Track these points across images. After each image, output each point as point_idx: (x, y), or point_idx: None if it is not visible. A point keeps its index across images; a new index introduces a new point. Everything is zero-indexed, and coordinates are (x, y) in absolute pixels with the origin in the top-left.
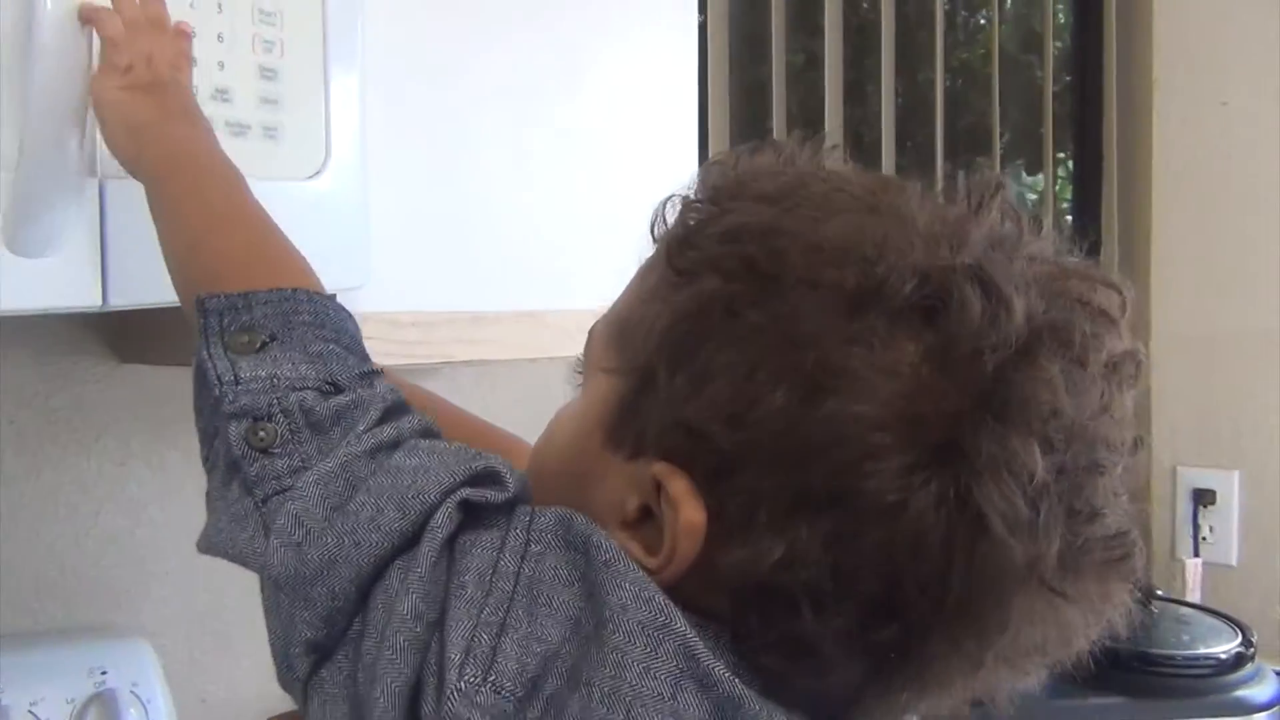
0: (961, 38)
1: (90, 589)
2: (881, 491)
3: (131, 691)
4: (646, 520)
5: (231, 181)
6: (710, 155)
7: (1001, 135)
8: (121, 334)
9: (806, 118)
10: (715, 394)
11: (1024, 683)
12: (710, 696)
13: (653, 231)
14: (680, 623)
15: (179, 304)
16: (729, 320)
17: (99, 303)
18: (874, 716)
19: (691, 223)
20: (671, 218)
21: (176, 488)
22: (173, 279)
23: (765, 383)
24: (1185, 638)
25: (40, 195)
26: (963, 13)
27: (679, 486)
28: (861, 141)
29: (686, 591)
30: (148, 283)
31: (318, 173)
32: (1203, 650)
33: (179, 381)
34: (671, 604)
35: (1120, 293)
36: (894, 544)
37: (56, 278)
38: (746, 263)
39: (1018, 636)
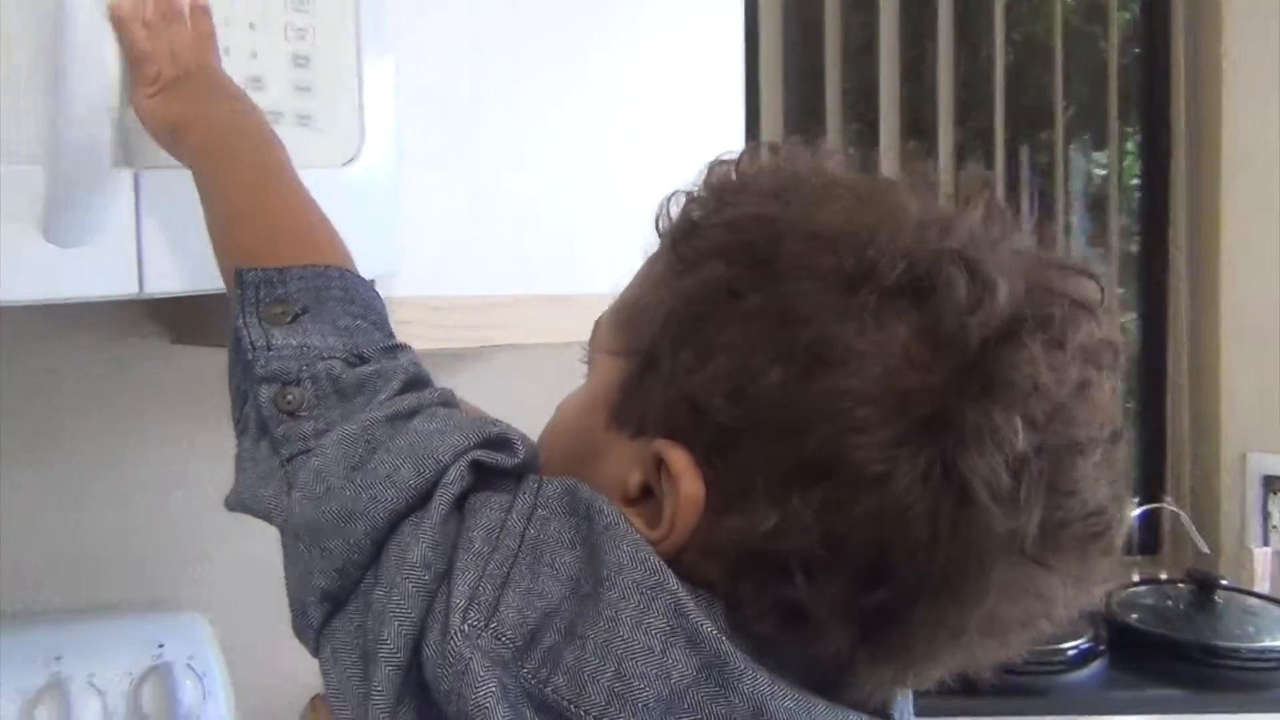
0: (1024, 10)
1: (149, 565)
2: (868, 462)
3: (188, 665)
4: (647, 497)
5: (268, 161)
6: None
7: (1066, 110)
8: (175, 317)
9: (862, 96)
10: (716, 370)
11: (1008, 656)
12: (699, 653)
13: (657, 225)
14: (673, 582)
15: (214, 291)
16: (731, 302)
17: (135, 290)
18: (864, 688)
19: (696, 215)
20: (675, 212)
21: (231, 466)
22: (215, 253)
23: (763, 360)
24: (1251, 629)
25: (76, 187)
26: None
27: (679, 460)
28: (919, 121)
29: (685, 563)
30: (183, 271)
31: (352, 159)
32: (1270, 643)
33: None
34: (665, 566)
35: (1097, 282)
36: (881, 513)
37: (94, 267)
38: (747, 249)
39: (999, 606)
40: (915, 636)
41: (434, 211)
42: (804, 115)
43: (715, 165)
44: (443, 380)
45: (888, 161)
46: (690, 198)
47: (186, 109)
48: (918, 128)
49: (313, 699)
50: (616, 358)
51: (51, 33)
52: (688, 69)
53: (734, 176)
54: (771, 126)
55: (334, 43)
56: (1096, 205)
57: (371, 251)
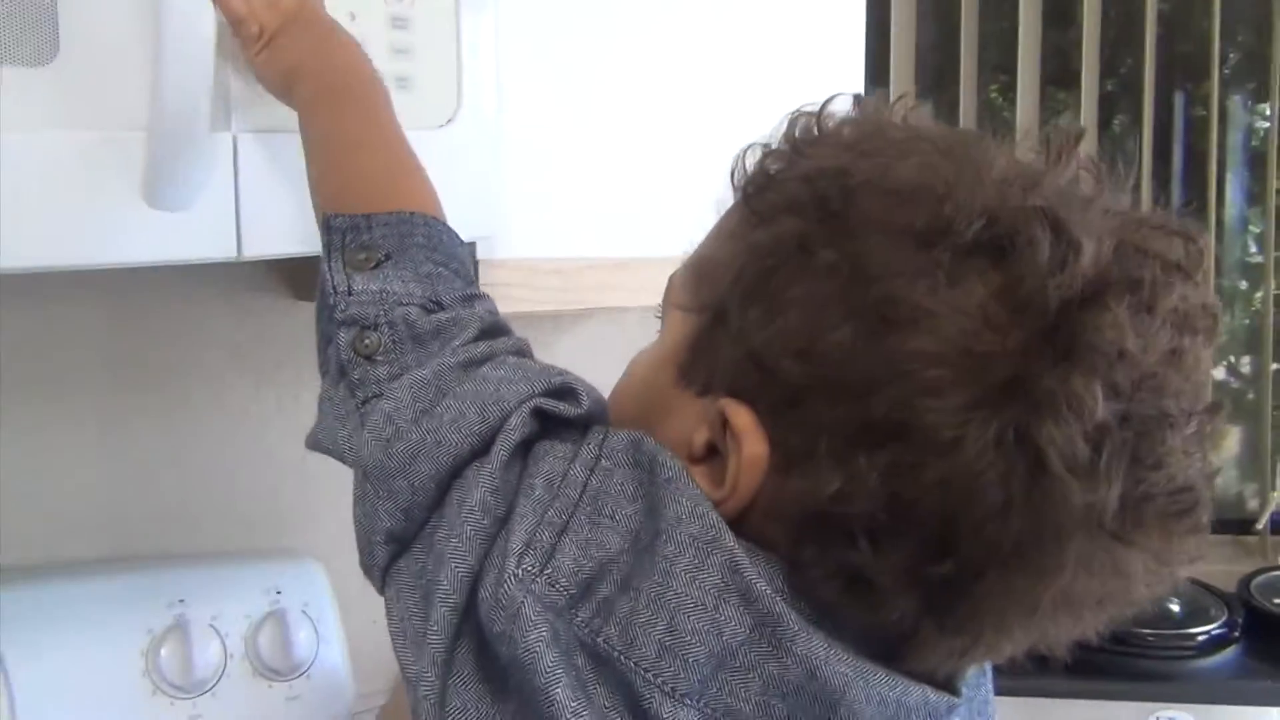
0: None
1: (268, 513)
2: (939, 426)
3: (303, 611)
4: (713, 456)
5: (369, 110)
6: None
7: (1225, 59)
8: (295, 274)
9: (1000, 46)
10: (784, 327)
11: (1083, 633)
12: (752, 611)
13: (733, 178)
14: (730, 539)
15: (310, 254)
16: (802, 257)
17: (234, 254)
18: (929, 659)
19: (771, 168)
20: (751, 165)
21: None
22: (312, 199)
23: (832, 317)
24: None
25: (176, 152)
26: None
27: (743, 419)
28: (1063, 71)
29: (749, 524)
30: (280, 233)
31: (450, 121)
32: None
33: None
34: (723, 522)
35: (1195, 243)
36: (951, 480)
37: (193, 230)
38: (820, 203)
39: (1074, 582)
40: (984, 609)
41: (532, 172)
42: (937, 67)
43: (795, 117)
44: (540, 342)
45: (1025, 110)
46: (766, 150)
47: (293, 57)
48: (1062, 79)
49: None
50: (688, 314)
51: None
52: (803, 18)
53: (813, 129)
54: (902, 78)
55: (433, 4)
56: (1257, 161)
57: (470, 213)
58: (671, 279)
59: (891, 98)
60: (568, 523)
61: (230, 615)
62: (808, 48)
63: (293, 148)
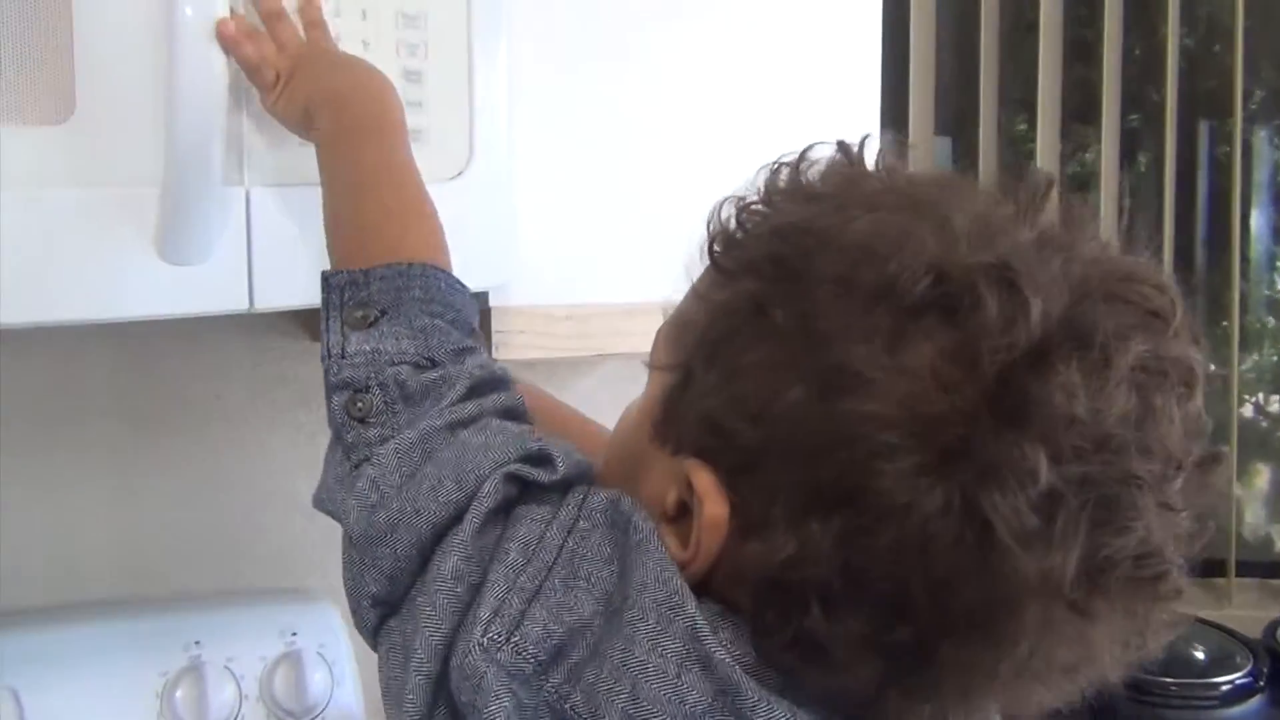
0: None
1: (283, 554)
2: (890, 492)
3: (318, 653)
4: (684, 515)
5: (379, 144)
6: (910, 135)
7: (1250, 96)
8: (313, 315)
9: (1021, 82)
10: (740, 390)
11: (1058, 700)
12: (713, 679)
13: (708, 232)
14: (691, 605)
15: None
16: (757, 319)
17: (246, 306)
18: None
19: (740, 222)
20: (725, 218)
21: None
22: (324, 235)
23: (785, 380)
24: None
25: (189, 207)
26: None
27: (704, 481)
28: (1085, 107)
29: (715, 586)
30: (292, 286)
31: (462, 173)
32: None
33: None
34: (687, 588)
35: (1166, 292)
36: (902, 546)
37: (206, 283)
38: (777, 261)
39: (1037, 651)
40: (944, 677)
41: (544, 218)
42: (957, 107)
43: (775, 167)
44: (556, 386)
45: (1046, 147)
46: (739, 203)
47: (308, 95)
48: (1083, 114)
49: None
50: (663, 372)
51: (161, 58)
52: (817, 59)
53: (784, 180)
54: (921, 113)
55: (446, 58)
56: None
57: (481, 263)
58: (658, 333)
59: (881, 142)
60: (540, 587)
61: (245, 657)
62: (822, 90)
63: (305, 200)
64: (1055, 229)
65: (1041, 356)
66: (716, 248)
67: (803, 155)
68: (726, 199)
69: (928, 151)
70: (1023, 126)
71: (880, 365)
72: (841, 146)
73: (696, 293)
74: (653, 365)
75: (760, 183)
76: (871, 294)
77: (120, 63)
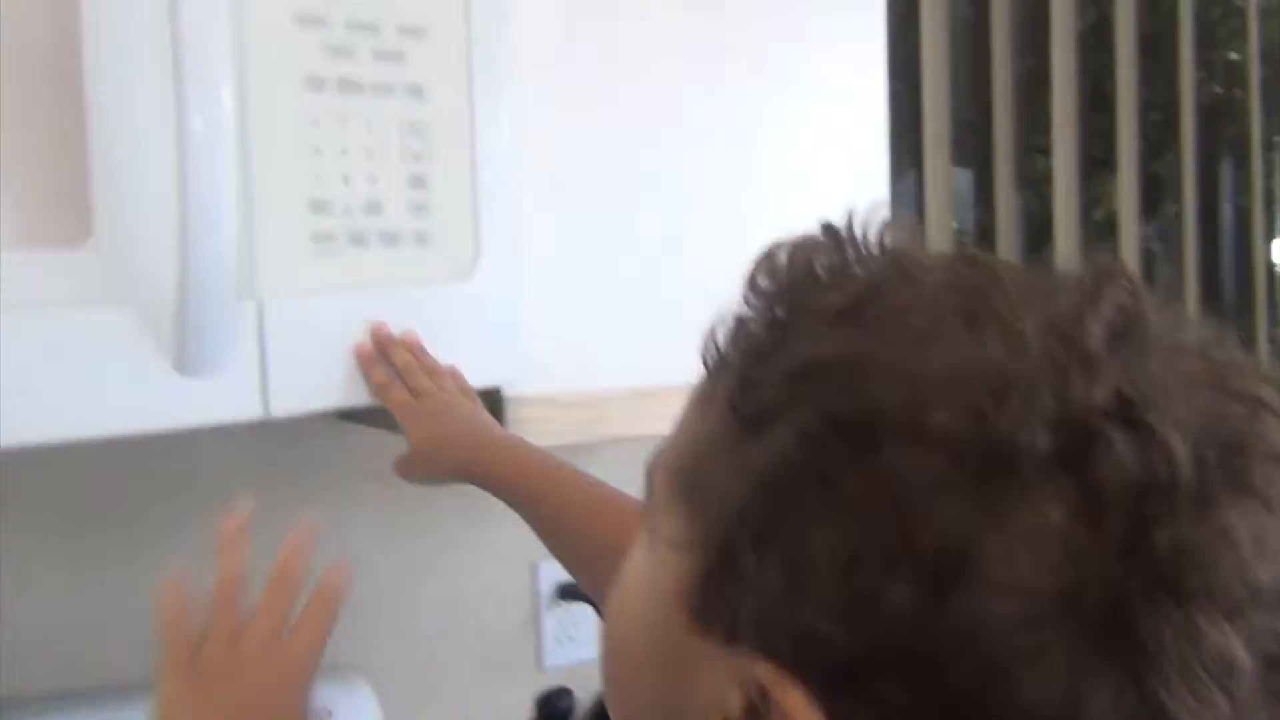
0: (1222, 34)
1: None
2: (1042, 703)
3: None
4: (754, 715)
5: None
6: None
7: (1270, 143)
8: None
9: (1036, 130)
10: (819, 589)
11: None
12: None
13: (704, 359)
14: None
15: (334, 408)
16: (820, 490)
17: (261, 415)
18: None
19: (750, 354)
20: (723, 344)
21: (394, 537)
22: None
23: (878, 572)
24: None
25: (203, 321)
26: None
27: (795, 701)
28: (1099, 157)
29: None
30: (306, 392)
31: (469, 274)
32: None
33: (392, 442)
34: None
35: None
36: None
37: (222, 394)
38: (828, 413)
39: None
40: None
41: (553, 306)
42: (969, 157)
43: (758, 268)
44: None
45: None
46: (742, 324)
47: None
48: (1097, 163)
49: None
50: (685, 551)
51: (167, 167)
52: (821, 154)
53: (786, 284)
54: (938, 174)
55: (450, 162)
56: None
57: (490, 361)
58: (652, 476)
59: (877, 220)
60: None
61: None
62: (823, 183)
63: (315, 308)
64: (1122, 319)
65: (1202, 505)
66: (730, 391)
67: (789, 254)
68: (719, 321)
69: (945, 183)
70: (1039, 158)
71: (1004, 546)
72: (833, 234)
73: (707, 437)
74: (663, 533)
75: (752, 292)
76: (978, 456)
77: (136, 184)
